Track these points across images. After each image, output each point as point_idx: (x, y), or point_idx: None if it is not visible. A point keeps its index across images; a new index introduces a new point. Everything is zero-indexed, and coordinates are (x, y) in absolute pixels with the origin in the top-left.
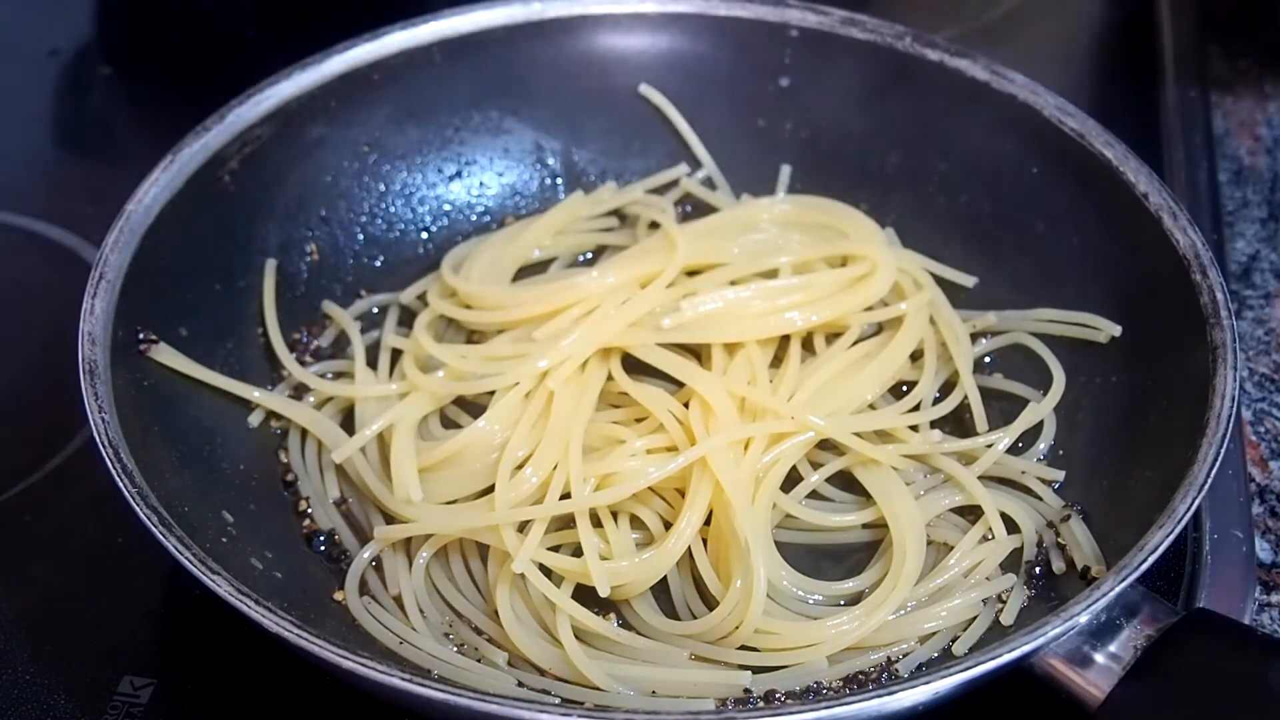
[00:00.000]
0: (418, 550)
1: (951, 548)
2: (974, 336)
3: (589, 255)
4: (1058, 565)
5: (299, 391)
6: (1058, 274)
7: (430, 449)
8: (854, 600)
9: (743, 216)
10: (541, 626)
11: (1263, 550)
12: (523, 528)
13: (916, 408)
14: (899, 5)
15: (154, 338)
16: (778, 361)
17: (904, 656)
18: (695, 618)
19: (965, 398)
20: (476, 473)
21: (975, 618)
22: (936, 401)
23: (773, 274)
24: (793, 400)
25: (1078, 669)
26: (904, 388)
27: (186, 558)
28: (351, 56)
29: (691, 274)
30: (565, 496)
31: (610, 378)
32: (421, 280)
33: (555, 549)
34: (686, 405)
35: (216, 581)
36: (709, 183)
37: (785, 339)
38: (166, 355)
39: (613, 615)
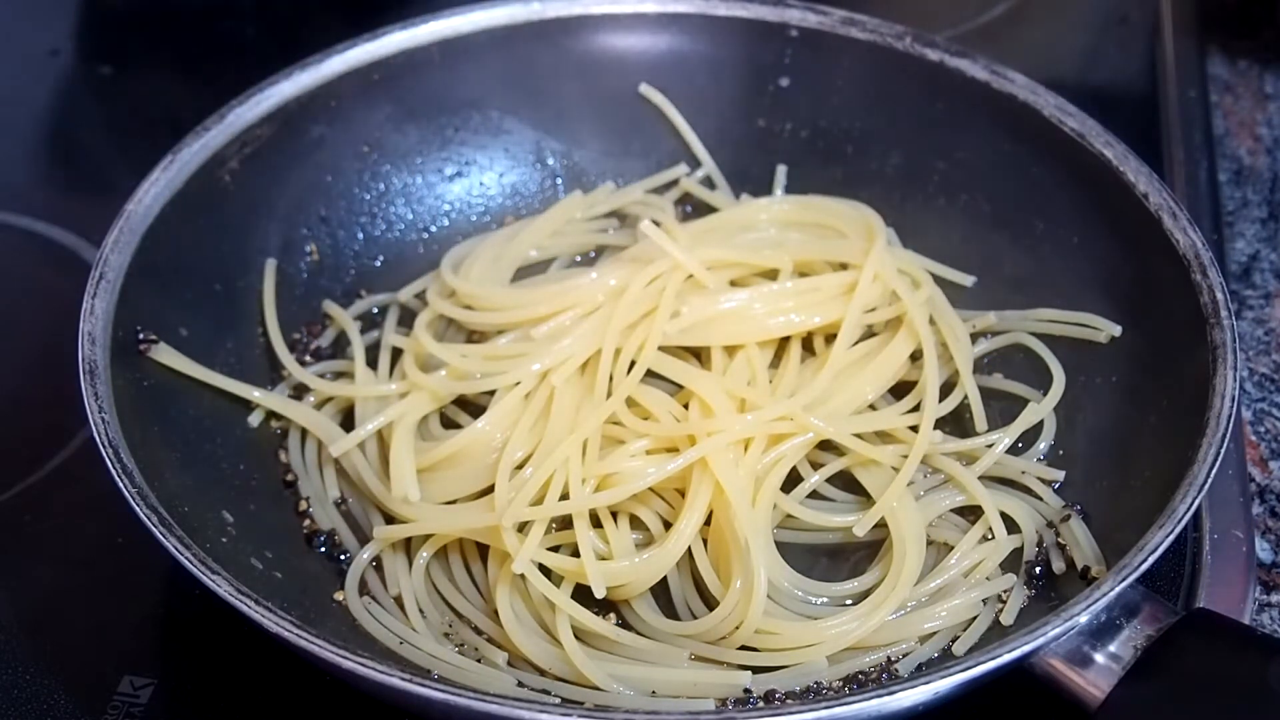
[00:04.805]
0: (418, 550)
1: (951, 548)
2: (974, 336)
3: (590, 255)
4: (1058, 565)
5: (299, 391)
6: (1058, 274)
7: (430, 449)
8: (854, 600)
9: (742, 216)
10: (541, 626)
11: (1263, 550)
12: (522, 528)
13: (916, 408)
14: (899, 5)
15: (154, 338)
16: (777, 362)
17: (904, 656)
18: (695, 618)
19: (965, 398)
20: (476, 473)
21: (975, 618)
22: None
23: (773, 275)
24: (792, 401)
25: (1078, 669)
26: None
27: (186, 558)
28: (351, 56)
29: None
30: (565, 497)
31: (610, 378)
32: (421, 280)
33: (555, 549)
34: (686, 406)
35: (216, 581)
36: (708, 182)
37: (785, 339)
38: (166, 355)
39: (613, 615)
